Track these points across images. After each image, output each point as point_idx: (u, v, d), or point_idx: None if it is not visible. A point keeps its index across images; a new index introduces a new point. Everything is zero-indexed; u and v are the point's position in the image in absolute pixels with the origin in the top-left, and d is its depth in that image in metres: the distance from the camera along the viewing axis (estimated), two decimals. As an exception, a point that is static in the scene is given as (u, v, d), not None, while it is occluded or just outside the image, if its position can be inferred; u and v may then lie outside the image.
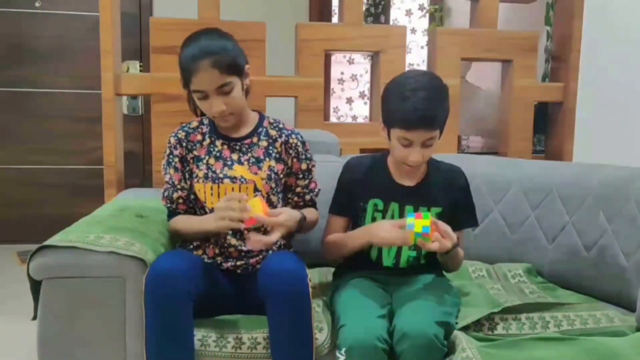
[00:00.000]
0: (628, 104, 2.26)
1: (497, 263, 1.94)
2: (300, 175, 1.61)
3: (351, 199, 1.59)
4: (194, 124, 1.60)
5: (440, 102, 1.43)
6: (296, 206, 1.63)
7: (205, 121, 1.60)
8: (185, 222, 1.57)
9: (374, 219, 1.56)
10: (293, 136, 1.59)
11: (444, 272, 1.64)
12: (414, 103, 1.39)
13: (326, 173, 1.70)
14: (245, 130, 1.58)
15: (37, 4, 3.57)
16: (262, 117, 1.62)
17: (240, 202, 1.39)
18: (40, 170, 3.69)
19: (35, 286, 1.37)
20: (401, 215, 1.55)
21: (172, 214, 1.61)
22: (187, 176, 1.57)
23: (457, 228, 1.58)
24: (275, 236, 1.41)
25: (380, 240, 1.46)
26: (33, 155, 3.67)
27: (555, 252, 1.86)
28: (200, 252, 1.56)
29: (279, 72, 2.34)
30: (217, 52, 1.43)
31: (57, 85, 3.64)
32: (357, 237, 1.53)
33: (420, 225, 1.36)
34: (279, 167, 1.57)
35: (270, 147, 1.57)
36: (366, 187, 1.58)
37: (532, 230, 1.93)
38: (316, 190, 1.65)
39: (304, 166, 1.61)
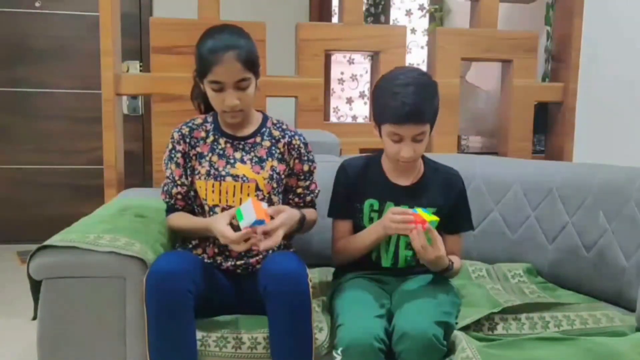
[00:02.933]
0: (628, 104, 2.26)
1: (497, 263, 1.94)
2: (302, 177, 1.62)
3: (349, 201, 1.59)
4: (198, 120, 1.61)
5: (429, 97, 1.45)
6: (296, 207, 1.63)
7: (210, 119, 1.61)
8: (185, 222, 1.57)
9: (370, 220, 1.56)
10: (296, 137, 1.60)
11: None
12: (402, 98, 1.40)
13: (326, 173, 1.70)
14: (249, 130, 1.59)
15: (37, 4, 3.57)
16: (265, 118, 1.63)
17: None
18: (40, 170, 3.69)
19: (35, 286, 1.37)
20: None
21: (170, 209, 1.62)
22: (188, 172, 1.57)
23: (453, 231, 1.59)
24: (279, 235, 1.40)
25: (390, 224, 1.43)
26: (33, 155, 3.67)
27: (555, 252, 1.86)
28: (199, 251, 1.56)
29: (279, 72, 2.34)
30: (241, 47, 1.45)
31: (57, 85, 3.64)
32: (369, 235, 1.52)
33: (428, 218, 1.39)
34: (281, 168, 1.57)
35: (273, 148, 1.58)
36: (361, 187, 1.58)
37: (532, 230, 1.93)
38: (316, 191, 1.66)
39: (305, 168, 1.61)
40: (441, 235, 1.46)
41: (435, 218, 1.40)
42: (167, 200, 1.61)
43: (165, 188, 1.60)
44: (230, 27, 1.52)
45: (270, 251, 1.55)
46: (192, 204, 1.61)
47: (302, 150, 1.60)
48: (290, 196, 1.64)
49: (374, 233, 1.51)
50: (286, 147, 1.59)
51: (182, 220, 1.58)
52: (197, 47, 1.49)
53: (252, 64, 1.47)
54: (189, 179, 1.58)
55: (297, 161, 1.60)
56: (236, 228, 1.40)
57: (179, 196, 1.59)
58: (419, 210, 1.40)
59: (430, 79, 1.50)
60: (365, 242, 1.54)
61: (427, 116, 1.44)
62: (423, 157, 1.60)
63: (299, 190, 1.63)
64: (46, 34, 3.60)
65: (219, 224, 1.41)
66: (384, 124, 1.47)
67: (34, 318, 1.38)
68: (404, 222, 1.40)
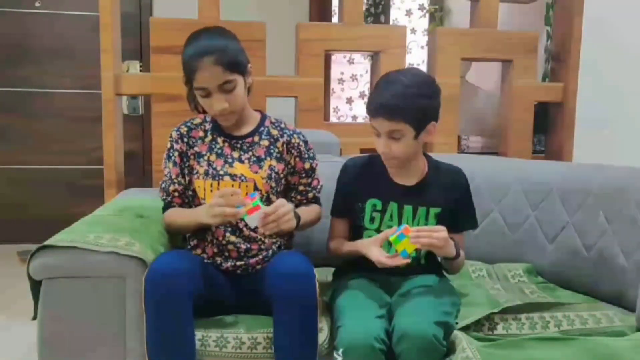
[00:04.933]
0: (628, 104, 2.26)
1: (497, 263, 1.94)
2: (304, 175, 1.62)
3: (350, 200, 1.59)
4: (197, 120, 1.61)
5: (413, 97, 1.42)
6: (300, 204, 1.64)
7: (208, 118, 1.61)
8: (179, 214, 1.58)
9: (372, 219, 1.56)
10: (295, 136, 1.60)
11: (444, 272, 1.64)
12: (380, 92, 1.43)
13: (327, 173, 1.70)
14: (247, 129, 1.59)
15: (37, 4, 3.57)
16: (263, 117, 1.63)
17: (233, 196, 1.37)
18: (40, 170, 3.69)
19: (35, 286, 1.37)
20: (399, 215, 1.54)
21: (167, 206, 1.62)
22: (185, 171, 1.58)
23: (457, 230, 1.59)
24: (281, 209, 1.39)
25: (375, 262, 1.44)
26: (33, 155, 3.66)
27: (555, 252, 1.86)
28: (199, 251, 1.56)
29: (279, 72, 2.34)
30: (220, 50, 1.44)
31: (57, 85, 3.64)
32: (356, 253, 1.53)
33: (403, 248, 1.39)
34: (279, 167, 1.57)
35: (272, 147, 1.58)
36: (364, 187, 1.58)
37: (532, 230, 1.93)
38: (318, 187, 1.66)
39: (307, 165, 1.61)
40: None
41: (413, 247, 1.39)
42: (164, 197, 1.61)
43: (163, 185, 1.61)
44: (211, 29, 1.51)
45: (270, 251, 1.55)
46: (189, 202, 1.61)
47: (302, 149, 1.60)
48: (292, 194, 1.64)
49: (358, 254, 1.52)
50: (285, 146, 1.59)
51: (178, 213, 1.59)
52: (182, 54, 1.49)
53: (234, 65, 1.46)
54: (186, 177, 1.58)
55: (297, 159, 1.60)
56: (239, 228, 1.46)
57: (176, 194, 1.60)
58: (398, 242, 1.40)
59: (428, 79, 1.49)
60: (356, 255, 1.54)
61: (403, 114, 1.42)
62: (426, 157, 1.60)
63: (301, 188, 1.63)
64: (46, 34, 3.60)
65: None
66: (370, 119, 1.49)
67: (34, 318, 1.38)
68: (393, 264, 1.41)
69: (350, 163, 1.64)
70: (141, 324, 1.33)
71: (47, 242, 1.36)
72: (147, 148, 3.21)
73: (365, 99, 4.72)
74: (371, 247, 1.45)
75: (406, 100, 1.42)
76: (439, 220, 1.54)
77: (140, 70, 3.58)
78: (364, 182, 1.58)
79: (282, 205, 1.40)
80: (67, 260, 1.36)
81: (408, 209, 1.54)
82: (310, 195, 1.65)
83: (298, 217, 1.50)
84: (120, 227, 1.48)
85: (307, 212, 1.59)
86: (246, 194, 1.43)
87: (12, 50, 3.58)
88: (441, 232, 1.41)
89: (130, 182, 2.32)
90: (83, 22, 3.60)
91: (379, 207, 1.56)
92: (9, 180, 3.67)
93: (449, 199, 1.56)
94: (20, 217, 3.66)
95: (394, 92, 1.41)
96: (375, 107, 1.43)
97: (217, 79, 1.44)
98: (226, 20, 2.15)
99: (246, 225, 1.46)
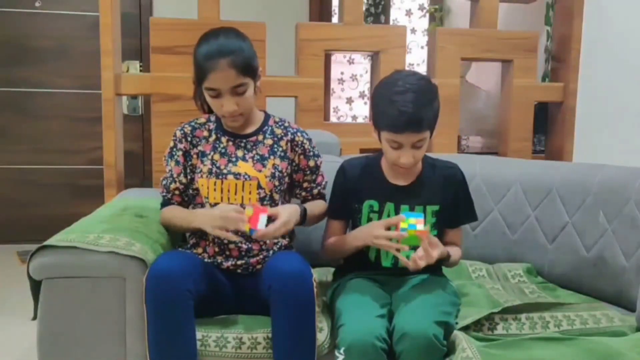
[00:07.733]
0: (628, 104, 2.26)
1: (497, 263, 1.94)
2: (308, 172, 1.63)
3: (347, 202, 1.59)
4: (202, 119, 1.62)
5: (428, 103, 1.43)
6: (304, 200, 1.66)
7: (213, 118, 1.62)
8: (178, 213, 1.59)
9: (369, 220, 1.56)
10: (299, 134, 1.61)
11: (444, 272, 1.64)
12: (401, 106, 1.39)
13: (326, 173, 1.70)
14: (251, 128, 1.60)
15: (37, 4, 3.57)
16: (267, 116, 1.64)
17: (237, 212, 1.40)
18: (40, 170, 3.69)
19: (35, 286, 1.37)
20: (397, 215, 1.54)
21: (165, 203, 1.63)
22: (187, 171, 1.59)
23: (456, 224, 1.59)
24: (278, 223, 1.42)
25: (376, 243, 1.46)
26: (33, 155, 3.67)
27: (555, 252, 1.86)
28: (199, 250, 1.57)
29: (279, 72, 2.34)
30: (235, 52, 1.44)
31: (57, 85, 3.64)
32: (354, 240, 1.54)
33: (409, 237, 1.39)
34: (283, 165, 1.58)
35: (275, 146, 1.59)
36: (360, 188, 1.58)
37: (532, 230, 1.93)
38: (323, 183, 1.67)
39: (311, 163, 1.63)
40: (442, 229, 1.46)
41: (414, 234, 1.39)
42: (164, 194, 1.63)
43: (164, 182, 1.62)
44: (226, 30, 1.51)
45: (271, 251, 1.55)
46: (189, 200, 1.62)
47: (307, 146, 1.62)
48: (298, 190, 1.66)
49: (361, 240, 1.52)
50: (289, 144, 1.60)
51: (177, 212, 1.59)
52: (194, 52, 1.49)
53: (248, 68, 1.46)
54: (188, 177, 1.59)
55: (302, 157, 1.61)
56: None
57: (177, 192, 1.61)
58: (406, 223, 1.40)
59: (430, 83, 1.47)
60: (352, 246, 1.55)
61: (426, 123, 1.42)
62: None
63: (306, 185, 1.64)
64: (46, 34, 3.60)
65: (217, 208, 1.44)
66: (382, 131, 1.46)
67: (34, 318, 1.38)
68: (388, 246, 1.43)
69: (346, 164, 1.64)
70: (141, 324, 1.33)
71: (47, 242, 1.36)
72: (147, 148, 3.21)
73: (366, 99, 4.74)
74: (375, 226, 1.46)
75: (428, 108, 1.42)
76: (438, 218, 1.55)
77: (140, 70, 3.58)
78: (361, 184, 1.58)
79: (283, 224, 1.43)
80: (67, 260, 1.36)
81: (405, 208, 1.54)
82: (315, 191, 1.66)
83: (304, 210, 1.53)
84: (120, 227, 1.48)
85: (314, 205, 1.61)
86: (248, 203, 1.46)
87: (12, 50, 3.58)
88: (435, 251, 1.42)
89: (130, 182, 2.32)
90: (83, 22, 3.60)
91: (376, 208, 1.56)
92: (9, 180, 3.67)
93: (446, 195, 1.56)
94: (20, 217, 3.67)
95: (415, 103, 1.39)
96: (403, 123, 1.39)
97: (230, 81, 1.44)
98: (226, 20, 2.15)
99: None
